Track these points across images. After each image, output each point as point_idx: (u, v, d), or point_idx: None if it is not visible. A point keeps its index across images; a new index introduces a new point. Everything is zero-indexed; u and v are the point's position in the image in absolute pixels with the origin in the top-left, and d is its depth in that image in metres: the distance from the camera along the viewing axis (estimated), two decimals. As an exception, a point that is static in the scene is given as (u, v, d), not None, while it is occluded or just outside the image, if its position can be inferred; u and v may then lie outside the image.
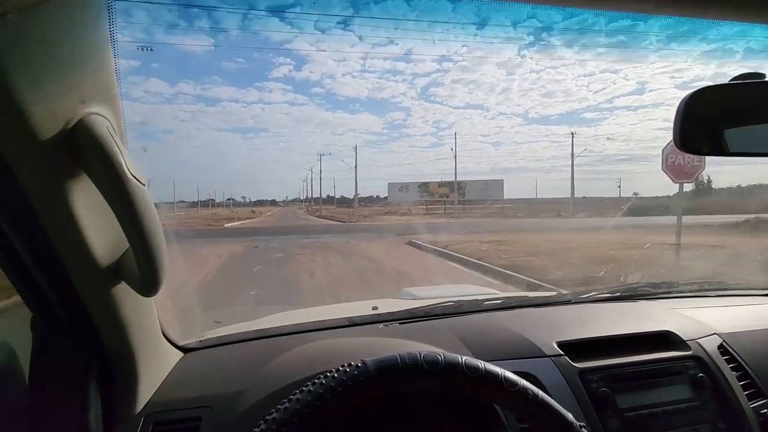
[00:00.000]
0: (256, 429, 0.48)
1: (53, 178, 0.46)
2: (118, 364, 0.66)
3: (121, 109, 0.51)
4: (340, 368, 0.52)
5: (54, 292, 0.57)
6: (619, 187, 29.40)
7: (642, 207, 20.52)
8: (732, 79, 0.62)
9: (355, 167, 30.21)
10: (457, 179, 32.67)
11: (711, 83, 0.65)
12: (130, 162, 0.46)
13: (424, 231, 12.91)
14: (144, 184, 0.47)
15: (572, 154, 28.94)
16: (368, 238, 11.39)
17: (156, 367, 0.76)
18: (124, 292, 0.58)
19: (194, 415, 0.71)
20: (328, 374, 0.51)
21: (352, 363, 0.52)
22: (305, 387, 0.50)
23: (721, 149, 0.65)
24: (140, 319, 0.65)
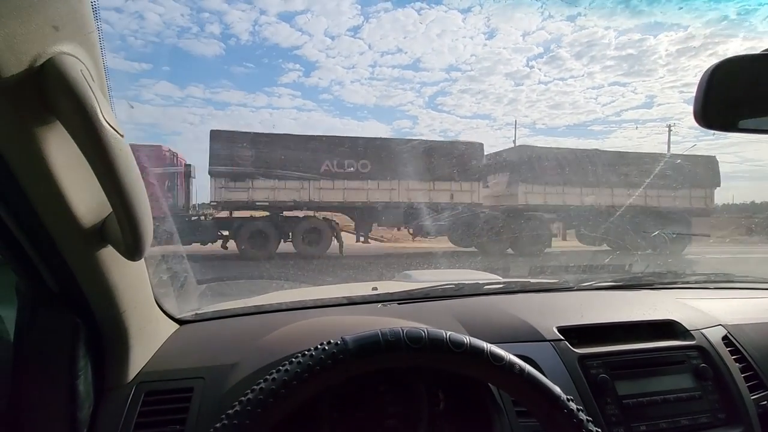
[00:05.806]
0: (229, 411, 0.46)
1: (22, 124, 0.41)
2: (109, 331, 0.65)
3: (101, 56, 0.46)
4: (318, 346, 0.51)
5: (38, 255, 0.54)
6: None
7: None
8: (764, 50, 0.57)
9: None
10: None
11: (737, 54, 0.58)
12: (108, 110, 0.42)
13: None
14: (122, 135, 0.43)
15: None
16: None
17: (149, 337, 0.75)
18: (110, 256, 0.56)
19: (186, 386, 0.70)
20: (306, 352, 0.50)
21: (331, 341, 0.51)
22: (282, 366, 0.49)
23: (744, 126, 0.61)
24: (131, 287, 0.64)
